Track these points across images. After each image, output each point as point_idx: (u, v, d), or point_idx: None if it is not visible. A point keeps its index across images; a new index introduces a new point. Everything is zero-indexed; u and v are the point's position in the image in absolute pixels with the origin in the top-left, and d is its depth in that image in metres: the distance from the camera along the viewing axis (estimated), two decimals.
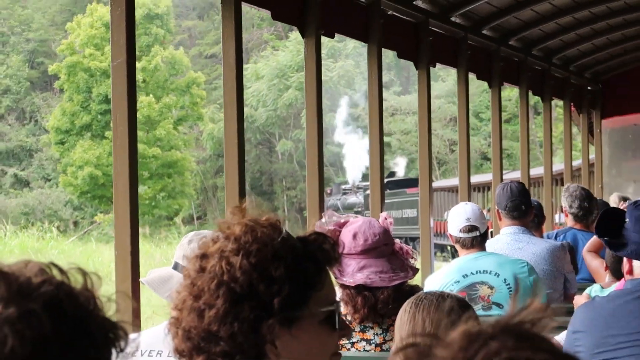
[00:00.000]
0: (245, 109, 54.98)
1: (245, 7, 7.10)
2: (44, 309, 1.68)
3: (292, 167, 63.10)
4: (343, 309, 5.13)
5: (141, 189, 50.77)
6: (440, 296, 3.51)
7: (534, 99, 14.27)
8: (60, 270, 1.74)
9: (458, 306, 3.48)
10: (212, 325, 2.42)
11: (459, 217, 6.54)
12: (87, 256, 36.04)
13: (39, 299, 1.68)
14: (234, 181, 6.52)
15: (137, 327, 4.80)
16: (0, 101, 63.20)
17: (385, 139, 47.61)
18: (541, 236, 8.18)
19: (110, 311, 1.75)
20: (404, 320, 3.47)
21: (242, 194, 6.53)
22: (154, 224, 52.25)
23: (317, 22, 7.59)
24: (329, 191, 49.36)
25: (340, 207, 45.48)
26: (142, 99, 49.88)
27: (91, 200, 51.18)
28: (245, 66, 61.69)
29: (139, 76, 51.19)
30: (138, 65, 51.16)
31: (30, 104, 62.51)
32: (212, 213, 62.28)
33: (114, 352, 1.74)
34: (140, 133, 48.90)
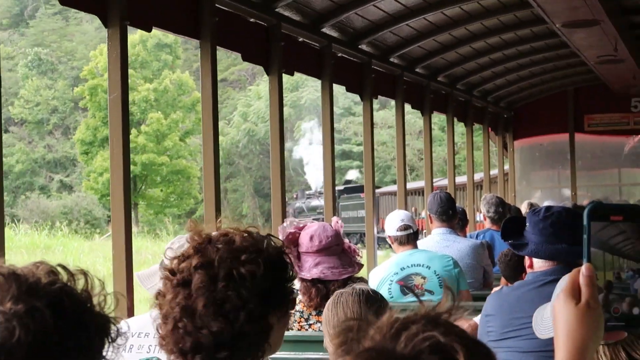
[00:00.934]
0: (248, 124, 55.49)
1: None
2: (47, 306, 1.68)
3: (288, 174, 62.75)
4: (300, 298, 5.15)
5: (153, 191, 50.78)
6: (355, 292, 3.47)
7: (459, 124, 14.23)
8: (68, 271, 1.75)
9: (371, 296, 3.48)
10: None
11: (394, 219, 6.57)
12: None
13: (44, 298, 1.69)
14: (211, 197, 6.46)
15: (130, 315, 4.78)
16: (49, 119, 62.51)
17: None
18: (465, 236, 8.22)
19: (108, 307, 1.76)
20: (329, 317, 3.44)
21: (217, 209, 6.50)
22: (175, 219, 50.89)
23: (280, 63, 7.61)
24: (295, 196, 49.46)
25: (305, 208, 45.61)
26: (152, 115, 49.60)
27: (104, 201, 49.42)
28: (249, 87, 62.38)
29: (151, 96, 51.27)
30: (150, 86, 50.82)
31: (74, 121, 61.78)
32: (223, 212, 61.34)
33: (105, 341, 1.74)
34: (150, 144, 48.89)
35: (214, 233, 2.39)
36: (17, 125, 64.95)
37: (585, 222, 1.77)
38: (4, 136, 62.51)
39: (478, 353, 1.41)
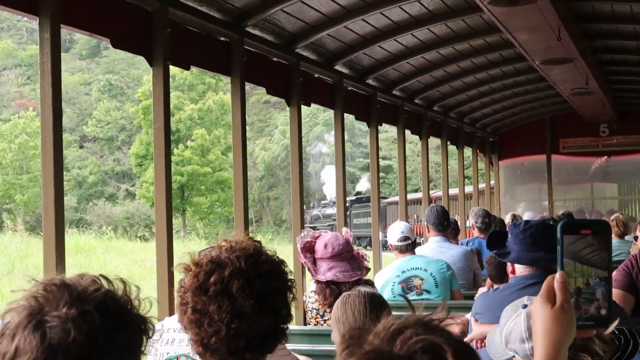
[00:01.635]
0: (286, 140, 56.99)
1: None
2: (95, 310, 1.71)
3: (306, 184, 62.03)
4: (315, 297, 5.15)
5: (199, 199, 49.81)
6: (360, 294, 3.45)
7: (451, 147, 14.22)
8: (107, 280, 1.77)
9: (374, 298, 3.47)
10: None
11: (396, 231, 6.58)
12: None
13: (92, 302, 1.72)
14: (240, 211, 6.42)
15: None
16: (117, 136, 62.46)
17: (387, 162, 47.39)
18: (457, 243, 8.19)
19: (144, 309, 1.79)
20: (338, 315, 3.41)
21: (246, 225, 6.42)
22: (223, 224, 50.41)
23: (299, 96, 7.61)
24: (312, 205, 49.37)
25: (321, 216, 45.41)
26: (197, 132, 49.09)
27: (151, 207, 48.92)
28: (288, 109, 61.38)
29: (196, 115, 50.91)
30: (195, 106, 50.15)
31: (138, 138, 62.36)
32: (266, 217, 61.80)
33: (144, 338, 1.77)
34: (195, 157, 48.32)
35: (222, 247, 2.36)
36: (90, 141, 65.08)
37: (558, 235, 1.78)
38: (79, 151, 61.62)
39: (464, 352, 1.42)
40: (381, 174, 25.71)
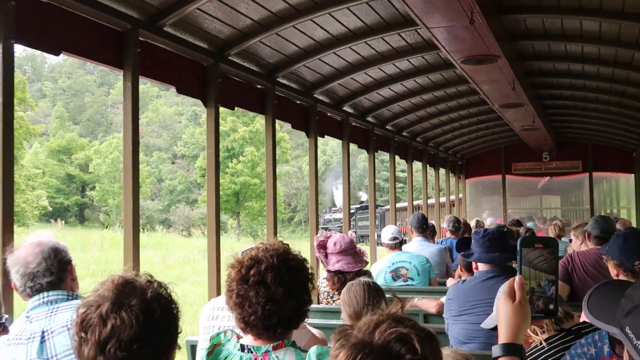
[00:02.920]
0: (326, 157, 54.07)
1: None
2: (154, 301, 1.72)
3: (322, 196, 60.85)
4: (326, 283, 5.14)
5: (250, 204, 48.08)
6: (361, 283, 3.48)
7: (429, 168, 14.17)
8: (159, 282, 1.79)
9: (371, 286, 3.48)
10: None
11: (388, 233, 6.58)
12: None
13: (152, 295, 1.73)
14: (271, 220, 6.34)
15: None
16: (199, 154, 60.18)
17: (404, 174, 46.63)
18: (434, 242, 8.16)
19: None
20: (344, 299, 3.44)
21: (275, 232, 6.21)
22: (281, 224, 49.57)
23: (315, 130, 7.54)
24: (325, 210, 49.02)
25: (332, 219, 44.89)
26: (248, 149, 47.93)
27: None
28: None
29: (247, 135, 49.45)
30: (246, 129, 48.28)
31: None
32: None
33: (179, 325, 1.77)
34: (246, 170, 47.00)
35: (260, 248, 2.33)
36: (180, 158, 64.60)
37: (518, 248, 1.79)
38: (171, 166, 60.08)
39: (427, 339, 1.44)
40: (399, 184, 25.53)
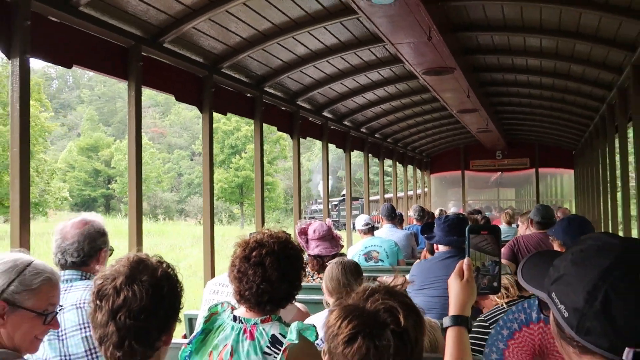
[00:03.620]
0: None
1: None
2: (163, 278, 1.71)
3: (308, 189, 60.17)
4: (308, 266, 5.13)
5: (253, 195, 45.25)
6: (340, 262, 3.44)
7: (399, 166, 14.19)
8: (168, 263, 1.77)
9: (352, 265, 3.47)
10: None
11: (361, 220, 6.56)
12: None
13: (161, 273, 1.72)
14: (259, 211, 6.32)
15: None
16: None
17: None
18: (402, 228, 8.15)
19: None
20: (328, 272, 3.41)
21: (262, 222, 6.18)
22: (271, 212, 47.69)
23: (298, 132, 7.54)
24: (311, 202, 48.43)
25: (317, 209, 44.21)
26: (249, 147, 45.83)
27: (224, 202, 46.56)
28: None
29: (249, 133, 46.45)
30: (249, 128, 45.87)
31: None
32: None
33: (182, 300, 1.76)
34: (248, 165, 44.99)
35: (265, 234, 2.29)
36: (197, 155, 62.63)
37: (467, 234, 1.79)
38: (190, 162, 57.17)
39: (411, 314, 1.45)
40: (387, 178, 25.29)
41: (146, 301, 1.63)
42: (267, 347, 2.15)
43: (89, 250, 2.57)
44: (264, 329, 2.19)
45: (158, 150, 51.38)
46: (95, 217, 2.72)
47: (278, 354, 2.11)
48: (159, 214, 46.69)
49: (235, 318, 2.23)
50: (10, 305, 1.82)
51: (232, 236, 5.35)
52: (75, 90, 79.19)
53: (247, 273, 2.18)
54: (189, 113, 69.85)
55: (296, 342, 2.09)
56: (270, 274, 2.17)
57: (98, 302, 1.66)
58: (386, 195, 17.56)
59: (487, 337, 2.13)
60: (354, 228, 11.53)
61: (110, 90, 79.21)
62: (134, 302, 1.62)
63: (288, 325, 2.20)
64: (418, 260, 5.39)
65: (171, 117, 69.48)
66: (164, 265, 1.74)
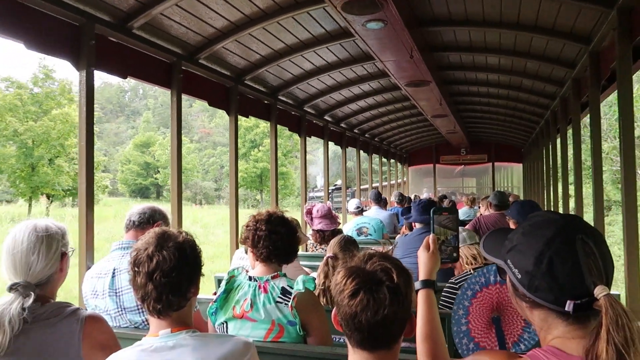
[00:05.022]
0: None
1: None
2: (185, 243, 1.70)
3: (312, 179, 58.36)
4: (312, 237, 5.13)
5: (269, 183, 45.15)
6: (345, 236, 3.47)
7: (382, 160, 14.14)
8: (186, 232, 1.74)
9: (349, 239, 3.49)
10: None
11: (353, 204, 6.55)
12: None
13: (184, 242, 1.71)
14: (274, 194, 6.30)
15: None
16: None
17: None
18: (386, 210, 8.14)
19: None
20: (332, 243, 3.43)
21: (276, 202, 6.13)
22: (285, 197, 46.19)
23: (305, 132, 7.50)
24: (309, 190, 48.14)
25: (315, 196, 44.03)
26: (266, 141, 44.47)
27: (245, 189, 45.43)
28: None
29: (266, 130, 44.37)
30: (266, 124, 45.46)
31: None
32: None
33: (202, 259, 1.74)
34: (265, 157, 43.43)
35: (269, 211, 2.38)
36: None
37: (432, 215, 1.78)
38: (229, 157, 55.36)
39: (402, 273, 1.44)
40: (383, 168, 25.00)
41: (174, 262, 1.62)
42: (279, 297, 2.19)
43: (146, 222, 2.64)
44: (274, 283, 2.23)
45: (204, 147, 49.85)
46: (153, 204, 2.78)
47: (288, 302, 2.16)
48: (200, 200, 45.96)
49: (250, 278, 2.27)
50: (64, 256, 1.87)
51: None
52: (143, 99, 79.55)
53: (261, 238, 2.28)
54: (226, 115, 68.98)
55: (303, 290, 2.16)
56: (275, 240, 2.26)
57: (136, 268, 1.65)
58: (374, 185, 17.55)
59: (455, 296, 2.14)
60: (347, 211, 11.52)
61: (169, 99, 78.43)
62: (165, 264, 1.62)
63: (293, 280, 2.25)
64: (400, 235, 5.42)
65: (216, 120, 68.91)
66: (184, 233, 1.74)
